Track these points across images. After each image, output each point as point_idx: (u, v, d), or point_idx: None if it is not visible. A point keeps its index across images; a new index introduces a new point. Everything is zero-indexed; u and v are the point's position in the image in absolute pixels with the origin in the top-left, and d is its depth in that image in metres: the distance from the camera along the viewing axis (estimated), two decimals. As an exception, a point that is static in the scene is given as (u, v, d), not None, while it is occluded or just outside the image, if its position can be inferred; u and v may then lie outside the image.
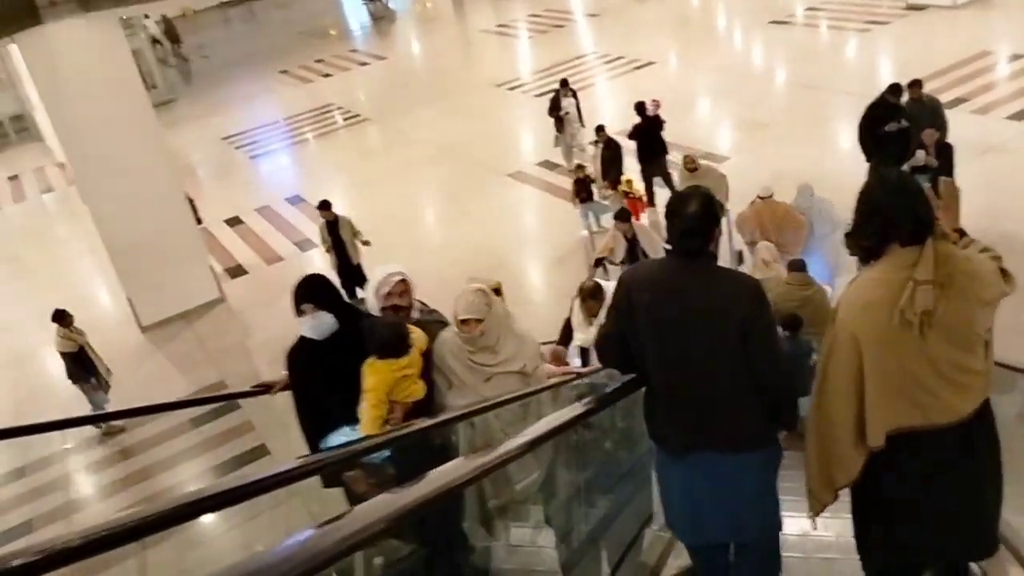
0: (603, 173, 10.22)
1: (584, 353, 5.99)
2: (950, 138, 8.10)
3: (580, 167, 10.34)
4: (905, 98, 7.98)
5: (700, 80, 15.08)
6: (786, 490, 2.73)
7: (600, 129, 10.35)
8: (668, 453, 2.74)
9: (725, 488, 2.64)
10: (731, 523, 2.71)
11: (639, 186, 10.16)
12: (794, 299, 5.83)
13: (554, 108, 11.66)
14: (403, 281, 3.51)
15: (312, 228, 10.87)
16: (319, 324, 3.17)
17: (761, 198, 7.42)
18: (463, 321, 3.32)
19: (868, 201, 2.28)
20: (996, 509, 2.44)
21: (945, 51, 13.07)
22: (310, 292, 3.23)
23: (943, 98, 9.36)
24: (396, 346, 3.10)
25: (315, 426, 3.31)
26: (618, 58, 17.11)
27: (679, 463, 2.69)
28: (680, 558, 3.13)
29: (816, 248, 7.36)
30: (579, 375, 3.05)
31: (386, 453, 2.93)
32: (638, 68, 16.25)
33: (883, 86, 8.31)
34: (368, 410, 3.06)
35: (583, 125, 11.70)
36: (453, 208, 12.04)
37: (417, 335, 3.24)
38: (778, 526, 2.86)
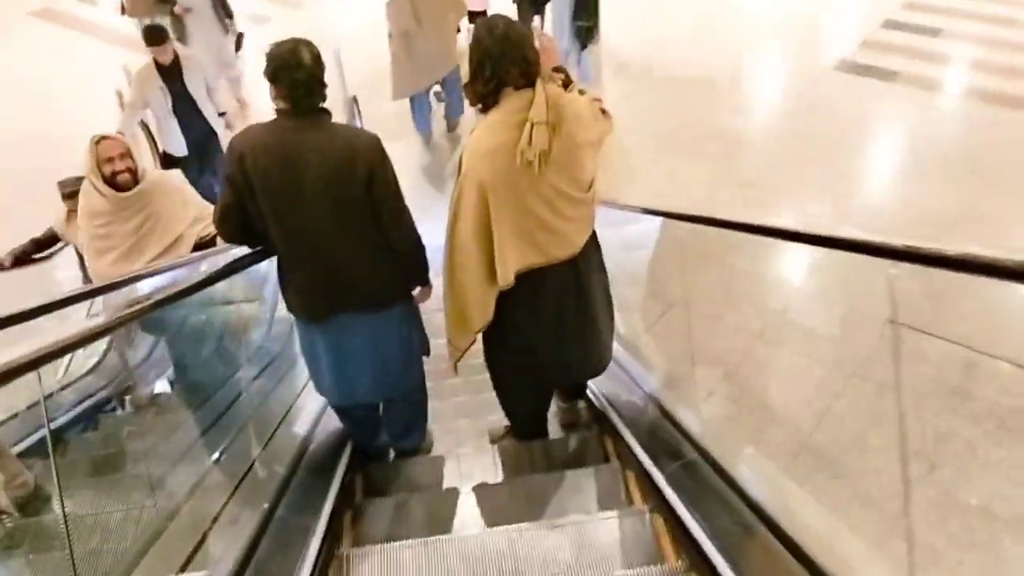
0: None
1: None
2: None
3: None
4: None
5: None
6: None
7: None
8: (306, 322, 2.62)
9: (367, 348, 2.65)
10: (377, 381, 2.73)
11: None
12: None
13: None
14: None
15: None
16: None
17: None
18: None
19: (478, 50, 2.30)
20: (609, 330, 2.73)
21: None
22: None
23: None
24: None
25: None
26: None
27: (319, 330, 2.63)
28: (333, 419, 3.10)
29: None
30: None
31: None
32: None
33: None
34: None
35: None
36: None
37: None
38: (422, 378, 2.93)
